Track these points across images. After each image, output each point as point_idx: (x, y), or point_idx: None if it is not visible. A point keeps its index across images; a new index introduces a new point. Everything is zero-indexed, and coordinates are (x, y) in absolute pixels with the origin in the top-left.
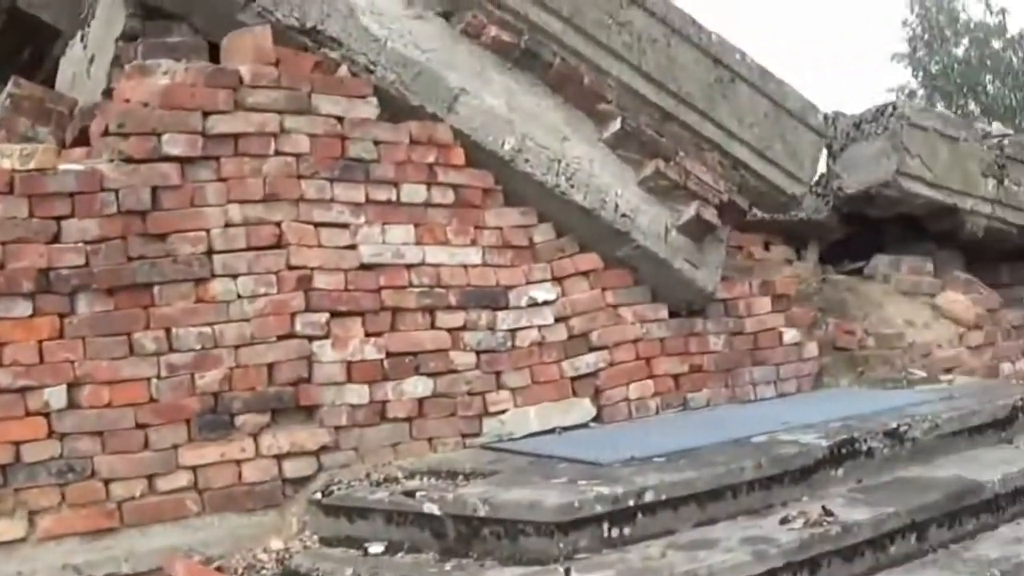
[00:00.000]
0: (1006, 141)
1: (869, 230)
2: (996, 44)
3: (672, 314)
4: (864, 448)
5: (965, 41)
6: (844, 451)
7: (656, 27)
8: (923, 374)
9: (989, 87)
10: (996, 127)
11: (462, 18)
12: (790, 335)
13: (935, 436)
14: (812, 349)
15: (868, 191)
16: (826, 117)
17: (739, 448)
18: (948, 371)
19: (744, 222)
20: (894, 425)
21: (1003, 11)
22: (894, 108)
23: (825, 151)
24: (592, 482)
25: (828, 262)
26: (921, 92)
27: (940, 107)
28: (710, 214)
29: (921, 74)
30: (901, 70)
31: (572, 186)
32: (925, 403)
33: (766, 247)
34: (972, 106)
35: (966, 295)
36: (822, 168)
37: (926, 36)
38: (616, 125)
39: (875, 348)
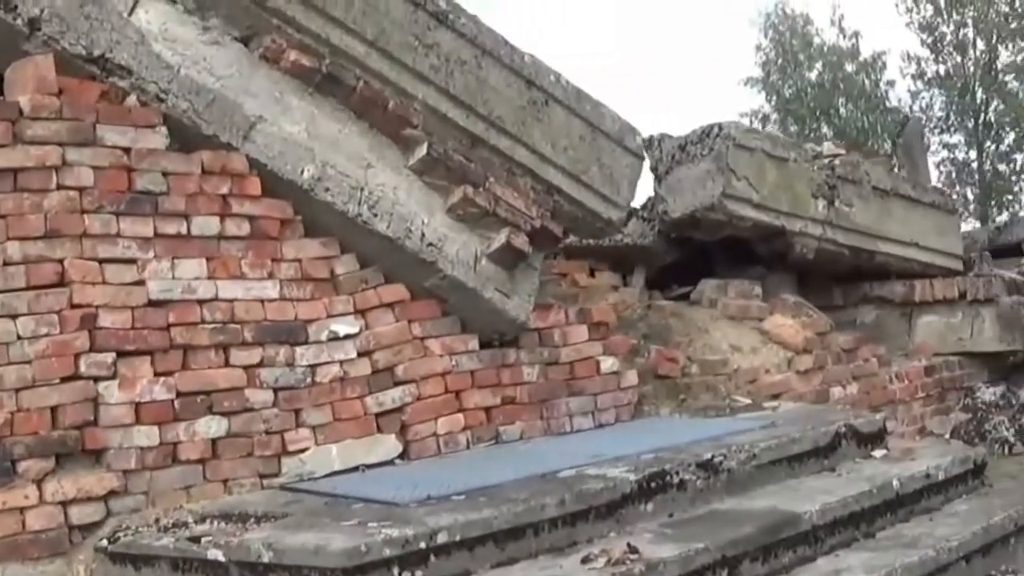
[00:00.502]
0: (837, 161)
1: (702, 254)
2: (849, 67)
3: (484, 345)
4: (675, 480)
5: (819, 65)
6: (654, 484)
7: (466, 48)
8: (747, 401)
9: (842, 110)
10: (827, 147)
11: (260, 43)
12: (608, 364)
13: (752, 466)
14: (631, 378)
15: (693, 215)
16: (651, 139)
17: (544, 484)
18: (776, 397)
19: (569, 248)
20: (708, 456)
21: (856, 34)
22: (720, 129)
23: (652, 174)
24: (383, 524)
25: (660, 287)
26: (775, 116)
27: (794, 130)
28: (521, 241)
29: (775, 98)
30: (755, 94)
31: (375, 215)
32: (745, 431)
33: (591, 274)
34: (825, 129)
35: (795, 319)
36: (648, 191)
37: (780, 60)
38: (423, 151)
39: (699, 375)
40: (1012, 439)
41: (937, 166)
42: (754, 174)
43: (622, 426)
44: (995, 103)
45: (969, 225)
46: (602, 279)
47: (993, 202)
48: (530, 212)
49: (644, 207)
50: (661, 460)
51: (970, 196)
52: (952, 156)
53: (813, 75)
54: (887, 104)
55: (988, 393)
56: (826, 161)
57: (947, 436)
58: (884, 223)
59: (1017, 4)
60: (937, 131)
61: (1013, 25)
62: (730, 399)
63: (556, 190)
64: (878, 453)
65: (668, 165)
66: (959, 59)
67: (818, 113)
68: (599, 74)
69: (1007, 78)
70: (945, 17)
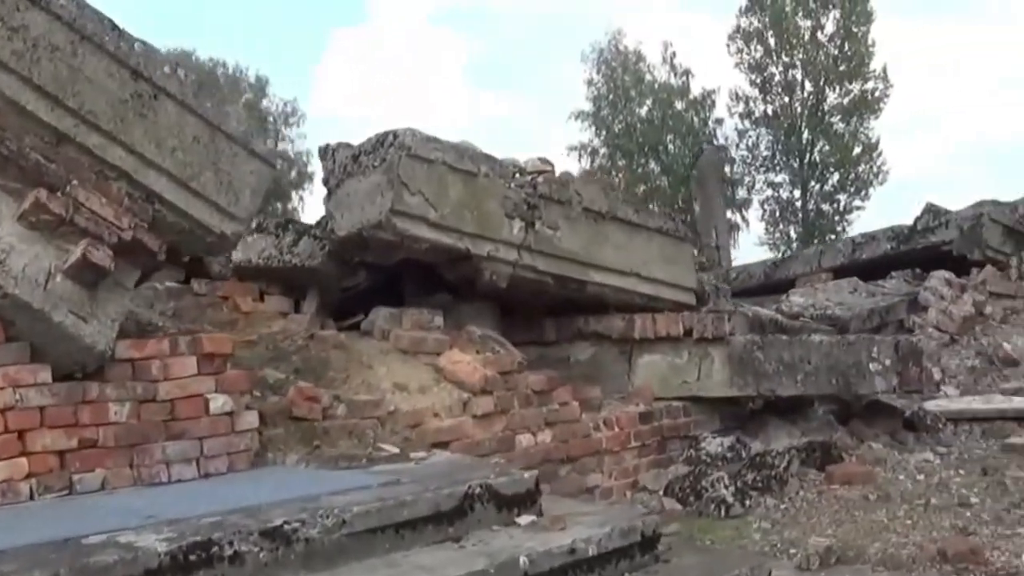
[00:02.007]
0: (541, 179)
1: (396, 279)
2: (679, 105)
3: (63, 378)
4: (228, 553)
5: (649, 101)
6: (194, 557)
7: (61, 32)
8: (395, 450)
9: (670, 147)
10: (531, 162)
11: None
12: (219, 403)
13: (343, 535)
14: (250, 419)
15: (360, 233)
16: (327, 148)
17: (56, 552)
18: (444, 445)
19: (238, 268)
20: (280, 521)
21: (687, 72)
22: (394, 137)
23: (325, 187)
24: None
25: (348, 316)
26: (604, 150)
27: (622, 164)
28: (100, 255)
29: (604, 133)
30: (585, 128)
31: None
32: (355, 490)
33: (261, 298)
34: (653, 165)
35: (478, 354)
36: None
37: (611, 96)
38: None
39: (344, 418)
40: (731, 499)
41: (761, 204)
42: (433, 189)
43: (232, 477)
44: (821, 144)
45: None
46: (271, 304)
47: (816, 241)
48: (119, 222)
49: (318, 224)
50: (221, 525)
51: (793, 235)
52: (776, 195)
53: (643, 111)
54: (715, 142)
55: (714, 444)
56: (528, 178)
57: (661, 492)
58: (598, 249)
59: (846, 47)
60: (763, 170)
61: (841, 68)
62: (374, 447)
63: (158, 197)
64: (524, 520)
65: (340, 177)
66: (787, 99)
67: (646, 149)
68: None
69: (833, 119)
70: (774, 58)
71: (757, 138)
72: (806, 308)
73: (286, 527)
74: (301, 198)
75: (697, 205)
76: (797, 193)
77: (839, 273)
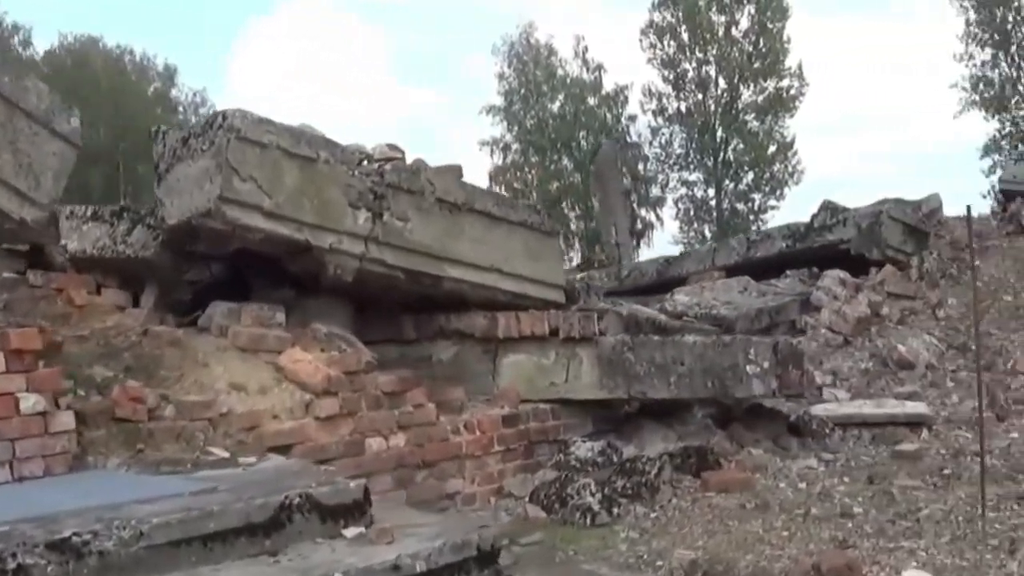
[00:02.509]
0: (388, 167)
1: (247, 271)
2: (592, 100)
3: None
4: (12, 566)
5: (561, 96)
6: None
7: None
8: (224, 455)
9: (583, 142)
10: (379, 149)
11: None
12: (30, 402)
13: (142, 548)
14: (66, 420)
15: (190, 222)
16: (157, 130)
17: None
18: (286, 449)
19: (74, 258)
20: (68, 533)
21: (600, 68)
22: (223, 118)
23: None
24: None
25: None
26: (516, 146)
27: (535, 160)
28: None
29: (516, 128)
30: (497, 123)
31: None
32: (164, 498)
33: (98, 291)
34: (566, 161)
35: (323, 353)
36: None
37: (523, 90)
38: None
39: (172, 419)
40: (597, 507)
41: (675, 203)
42: (267, 175)
43: (47, 481)
44: (735, 142)
45: None
46: (108, 297)
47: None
48: None
49: (151, 212)
50: (7, 536)
51: (707, 234)
52: (690, 193)
53: (555, 106)
54: (628, 139)
55: (584, 449)
56: (375, 166)
57: (527, 499)
58: (454, 243)
59: (761, 44)
60: (676, 168)
61: (756, 65)
62: (202, 451)
63: None
64: (351, 532)
65: (169, 162)
66: (700, 96)
67: (559, 145)
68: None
69: (748, 118)
70: (688, 54)
71: (670, 135)
72: (691, 307)
73: (76, 539)
74: None
75: (596, 201)
76: (711, 192)
77: (733, 272)
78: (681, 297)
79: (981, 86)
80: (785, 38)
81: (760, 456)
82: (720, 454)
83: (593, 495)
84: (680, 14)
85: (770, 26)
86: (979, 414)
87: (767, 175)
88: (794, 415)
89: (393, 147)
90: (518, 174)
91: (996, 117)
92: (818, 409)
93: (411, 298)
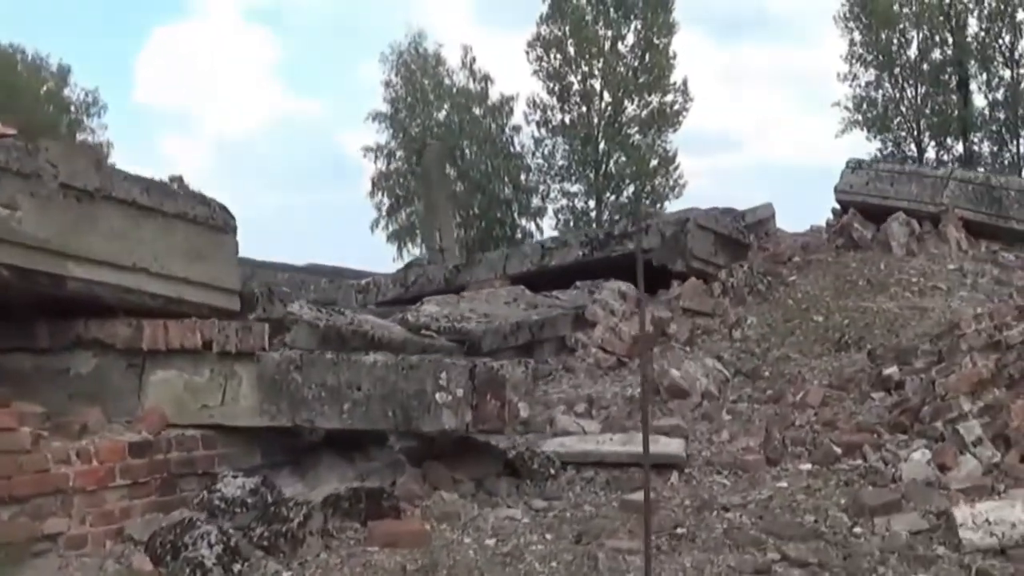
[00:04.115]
0: None
1: None
2: (477, 110)
3: None
4: None
5: (447, 106)
6: None
7: None
8: None
9: (467, 152)
10: None
11: None
12: None
13: None
14: None
15: None
16: None
17: None
18: None
19: None
20: None
21: (487, 78)
22: None
23: None
24: None
25: None
26: (400, 153)
27: (418, 168)
28: None
29: (401, 135)
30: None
31: None
32: None
33: None
34: (450, 170)
35: None
36: None
37: (409, 98)
38: None
39: None
40: (210, 562)
41: (556, 213)
42: None
43: None
44: (617, 155)
45: None
46: None
47: None
48: None
49: None
50: None
51: None
52: (571, 204)
53: (441, 115)
54: (511, 150)
55: (234, 486)
56: None
57: (144, 547)
58: (84, 237)
59: (647, 59)
60: (558, 179)
61: (641, 79)
62: None
63: None
64: None
65: None
66: (584, 109)
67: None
68: None
69: (631, 131)
70: (573, 67)
71: (553, 147)
72: (438, 319)
73: None
74: None
75: (420, 204)
76: (592, 203)
77: (526, 281)
78: (430, 308)
79: (864, 106)
80: (671, 54)
81: (454, 502)
82: (404, 497)
83: (211, 547)
84: (567, 28)
85: (656, 41)
86: (644, 452)
87: (648, 188)
88: (514, 451)
89: (6, 121)
90: (401, 181)
91: (878, 137)
92: (552, 444)
93: (45, 300)
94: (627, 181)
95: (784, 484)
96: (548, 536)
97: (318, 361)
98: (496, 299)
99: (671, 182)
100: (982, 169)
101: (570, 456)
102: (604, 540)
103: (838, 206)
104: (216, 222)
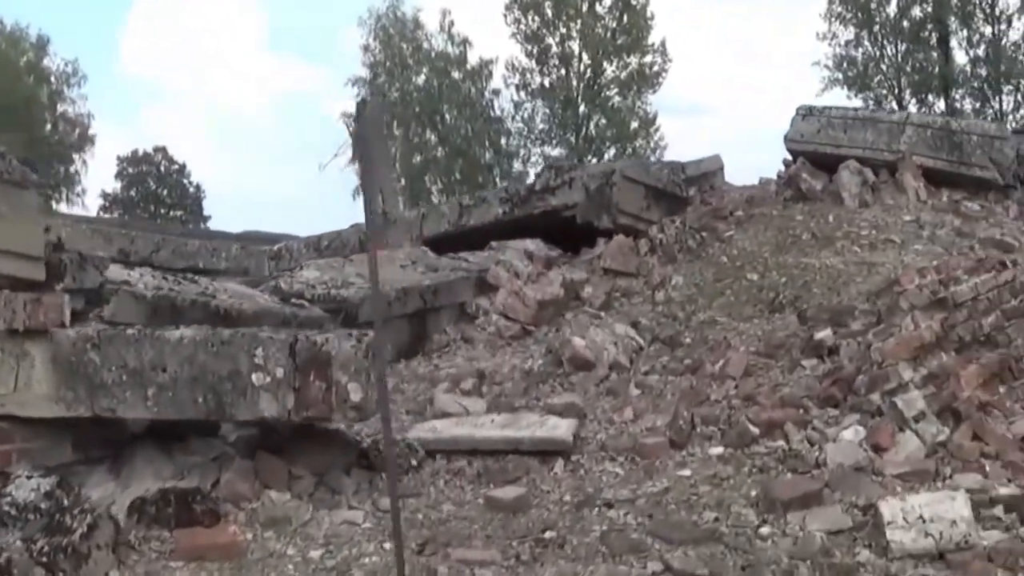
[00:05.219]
0: None
1: None
2: (456, 74)
3: None
4: None
5: (426, 70)
6: None
7: None
8: None
9: (447, 116)
10: None
11: None
12: None
13: None
14: None
15: None
16: None
17: None
18: None
19: None
20: None
21: (465, 41)
22: None
23: None
24: None
25: None
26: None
27: (398, 134)
28: None
29: (381, 100)
30: (362, 95)
31: None
32: None
33: None
34: (430, 134)
35: None
36: None
37: (387, 63)
38: None
39: None
40: None
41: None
42: None
43: None
44: (597, 117)
45: None
46: None
47: None
48: None
49: None
50: None
51: None
52: None
53: (420, 80)
54: (491, 113)
55: (27, 488)
56: None
57: None
58: None
59: (625, 20)
60: (539, 143)
61: (619, 41)
62: None
63: None
64: None
65: None
66: (563, 72)
67: (424, 118)
68: None
69: (610, 93)
70: (551, 29)
71: (533, 110)
72: (314, 286)
73: None
74: (84, 161)
75: (358, 167)
76: None
77: (443, 242)
78: (309, 273)
79: (844, 64)
80: (649, 15)
81: (285, 504)
82: (230, 498)
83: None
84: None
85: (633, 2)
86: None
87: (629, 151)
88: (371, 439)
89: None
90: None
91: (859, 95)
92: (422, 429)
93: None
94: (608, 144)
95: (687, 473)
96: (387, 545)
97: (117, 338)
98: (391, 262)
99: (652, 144)
100: None
101: (439, 443)
102: (452, 549)
103: (790, 156)
104: (13, 176)
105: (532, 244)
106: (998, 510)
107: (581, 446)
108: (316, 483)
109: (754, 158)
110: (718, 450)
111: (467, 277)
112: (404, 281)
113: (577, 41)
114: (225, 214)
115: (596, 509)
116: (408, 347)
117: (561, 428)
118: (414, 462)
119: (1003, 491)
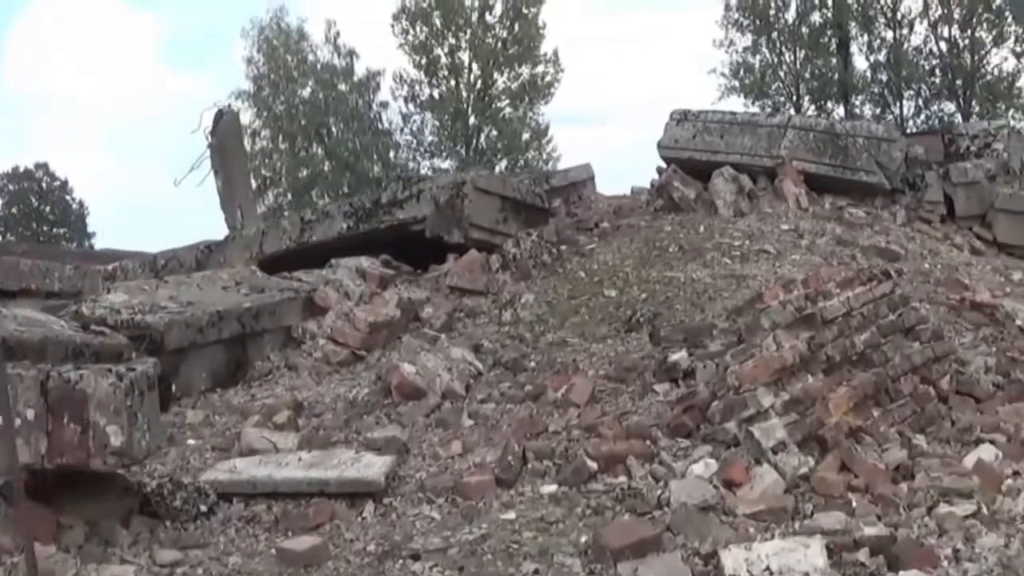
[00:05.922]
0: None
1: None
2: (343, 87)
3: None
4: None
5: (311, 82)
6: None
7: None
8: None
9: (334, 129)
10: None
11: None
12: None
13: None
14: None
15: None
16: None
17: None
18: None
19: None
20: None
21: (352, 53)
22: None
23: None
24: None
25: None
26: (266, 132)
27: (284, 147)
28: None
29: (266, 114)
30: (245, 109)
31: None
32: None
33: None
34: (316, 148)
35: None
36: None
37: (272, 76)
38: None
39: None
40: None
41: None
42: None
43: None
44: (488, 129)
45: None
46: None
47: None
48: None
49: None
50: None
51: None
52: None
53: (306, 92)
54: (379, 126)
55: None
56: None
57: None
58: None
59: (516, 29)
60: (428, 155)
61: (510, 51)
62: None
63: None
64: None
65: None
66: (453, 83)
67: (311, 132)
68: None
69: (502, 104)
70: (440, 40)
71: (422, 122)
72: (119, 311)
73: None
74: None
75: (218, 180)
76: None
77: (285, 260)
78: (117, 297)
79: (741, 72)
80: (540, 24)
81: (50, 558)
82: None
83: None
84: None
85: (525, 11)
86: None
87: (521, 163)
88: (156, 481)
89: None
90: (267, 161)
91: (756, 103)
92: (219, 471)
93: None
94: (499, 156)
95: (511, 516)
96: None
97: None
98: (212, 283)
99: (544, 155)
100: None
101: (235, 485)
102: None
103: (664, 164)
104: None
105: (366, 261)
106: (862, 554)
107: (397, 486)
108: (88, 534)
109: (649, 167)
110: (551, 488)
111: (293, 299)
112: (221, 303)
113: (467, 52)
114: (121, 229)
115: (400, 562)
116: (225, 375)
117: (374, 467)
118: (203, 507)
119: (869, 531)
